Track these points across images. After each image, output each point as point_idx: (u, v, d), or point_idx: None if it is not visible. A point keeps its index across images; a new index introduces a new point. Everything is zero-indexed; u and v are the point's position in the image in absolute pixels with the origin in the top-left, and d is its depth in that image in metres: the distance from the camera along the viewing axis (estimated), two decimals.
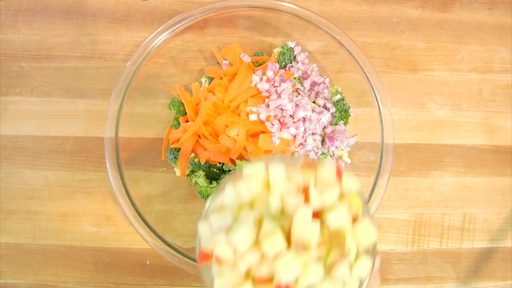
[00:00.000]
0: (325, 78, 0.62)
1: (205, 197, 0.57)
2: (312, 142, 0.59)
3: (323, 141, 0.61)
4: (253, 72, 0.61)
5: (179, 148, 0.59)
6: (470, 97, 0.68)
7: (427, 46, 0.68)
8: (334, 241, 0.32)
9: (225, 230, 0.33)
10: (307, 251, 0.31)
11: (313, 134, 0.60)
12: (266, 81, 0.60)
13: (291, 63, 0.63)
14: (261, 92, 0.60)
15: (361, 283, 0.34)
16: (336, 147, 0.60)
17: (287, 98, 0.59)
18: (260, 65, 0.63)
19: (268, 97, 0.60)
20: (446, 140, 0.66)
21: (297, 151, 0.58)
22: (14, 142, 0.62)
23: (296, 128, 0.57)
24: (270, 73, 0.60)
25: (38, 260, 0.60)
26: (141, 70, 0.58)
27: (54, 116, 0.63)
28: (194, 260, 0.53)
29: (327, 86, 0.61)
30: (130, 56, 0.58)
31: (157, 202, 0.60)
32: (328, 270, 0.32)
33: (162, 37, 0.58)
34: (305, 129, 0.58)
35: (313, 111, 0.59)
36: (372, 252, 0.36)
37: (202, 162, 0.57)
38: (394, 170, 0.64)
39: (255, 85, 0.60)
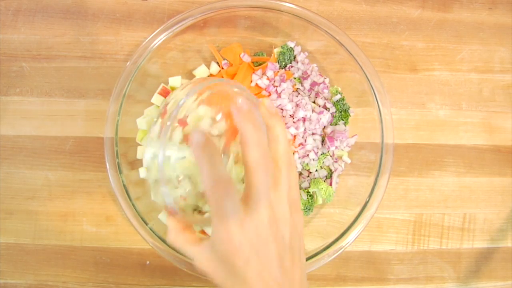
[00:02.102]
0: (325, 78, 0.62)
1: None
2: (312, 142, 0.59)
3: (323, 141, 0.61)
4: (253, 72, 0.61)
5: None
6: (470, 97, 0.68)
7: (427, 46, 0.68)
8: None
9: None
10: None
11: (313, 134, 0.60)
12: (266, 79, 0.60)
13: (291, 63, 0.63)
14: (261, 91, 0.60)
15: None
16: (336, 147, 0.60)
17: (287, 98, 0.59)
18: (260, 65, 0.63)
19: (267, 97, 0.60)
20: (446, 140, 0.66)
21: (297, 151, 0.58)
22: (14, 142, 0.62)
23: (296, 128, 0.57)
24: (270, 73, 0.60)
25: (38, 260, 0.60)
26: (141, 70, 0.58)
27: (54, 116, 0.63)
28: None
29: (327, 86, 0.61)
30: (130, 56, 0.58)
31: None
32: None
33: (162, 37, 0.58)
34: (305, 129, 0.58)
35: (313, 111, 0.59)
36: None
37: None
38: (394, 170, 0.64)
39: (255, 84, 0.60)
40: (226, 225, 0.34)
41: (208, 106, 0.42)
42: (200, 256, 0.37)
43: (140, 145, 0.58)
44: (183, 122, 0.55)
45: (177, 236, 0.39)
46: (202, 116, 0.57)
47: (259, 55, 0.64)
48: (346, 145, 0.61)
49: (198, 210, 0.43)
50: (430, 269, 0.63)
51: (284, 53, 0.62)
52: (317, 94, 0.61)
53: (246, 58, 0.61)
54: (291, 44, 0.62)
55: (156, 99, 0.58)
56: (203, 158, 0.34)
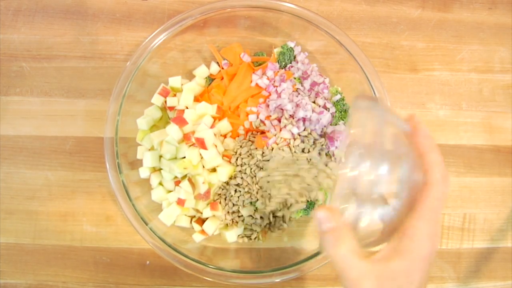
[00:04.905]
0: (325, 78, 0.62)
1: None
2: None
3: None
4: (253, 72, 0.61)
5: None
6: (470, 97, 0.68)
7: (427, 46, 0.68)
8: None
9: None
10: None
11: None
12: (266, 79, 0.60)
13: (291, 63, 0.63)
14: (261, 91, 0.60)
15: None
16: (336, 147, 0.60)
17: (287, 98, 0.59)
18: (260, 65, 0.63)
19: (268, 97, 0.60)
20: (446, 140, 0.66)
21: None
22: (14, 142, 0.62)
23: (297, 128, 0.57)
24: (270, 73, 0.60)
25: (38, 260, 0.60)
26: (141, 70, 0.58)
27: (54, 116, 0.63)
28: (194, 260, 0.53)
29: (327, 86, 0.61)
30: (130, 56, 0.58)
31: (157, 202, 0.59)
32: None
33: (162, 37, 0.58)
34: (305, 129, 0.58)
35: (313, 111, 0.59)
36: None
37: None
38: None
39: (255, 84, 0.60)
40: (435, 225, 0.34)
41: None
42: (370, 274, 0.33)
43: (140, 145, 0.58)
44: (181, 120, 0.55)
45: (341, 245, 0.34)
46: (203, 113, 0.57)
47: (259, 55, 0.64)
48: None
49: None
50: (430, 269, 0.63)
51: (284, 53, 0.62)
52: (317, 94, 0.61)
53: (246, 58, 0.61)
54: (291, 44, 0.62)
55: (156, 99, 0.58)
56: (437, 149, 0.35)
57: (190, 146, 0.55)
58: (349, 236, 0.34)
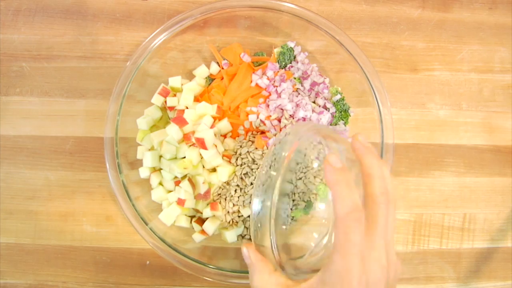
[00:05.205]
0: (325, 78, 0.62)
1: None
2: None
3: None
4: (253, 72, 0.61)
5: None
6: (470, 97, 0.68)
7: (427, 46, 0.68)
8: None
9: None
10: None
11: None
12: (266, 79, 0.60)
13: (291, 63, 0.63)
14: (261, 91, 0.60)
15: None
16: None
17: (287, 98, 0.59)
18: (260, 65, 0.63)
19: (268, 97, 0.60)
20: (446, 140, 0.66)
21: None
22: (14, 142, 0.62)
23: None
24: (270, 73, 0.60)
25: (38, 260, 0.60)
26: (141, 70, 0.58)
27: (54, 116, 0.63)
28: (194, 260, 0.53)
29: (327, 86, 0.61)
30: (130, 56, 0.58)
31: (157, 202, 0.59)
32: None
33: (162, 37, 0.58)
34: None
35: (313, 111, 0.59)
36: None
37: None
38: (394, 170, 0.64)
39: (255, 84, 0.60)
40: (348, 259, 0.32)
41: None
42: None
43: (140, 145, 0.58)
44: (181, 120, 0.55)
45: (268, 279, 0.37)
46: (202, 113, 0.57)
47: (259, 55, 0.64)
48: None
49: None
50: (430, 269, 0.63)
51: (284, 53, 0.62)
52: (317, 94, 0.61)
53: (246, 58, 0.61)
54: (291, 44, 0.62)
55: (156, 99, 0.58)
56: (340, 182, 0.33)
57: (190, 146, 0.55)
58: (266, 272, 0.38)
